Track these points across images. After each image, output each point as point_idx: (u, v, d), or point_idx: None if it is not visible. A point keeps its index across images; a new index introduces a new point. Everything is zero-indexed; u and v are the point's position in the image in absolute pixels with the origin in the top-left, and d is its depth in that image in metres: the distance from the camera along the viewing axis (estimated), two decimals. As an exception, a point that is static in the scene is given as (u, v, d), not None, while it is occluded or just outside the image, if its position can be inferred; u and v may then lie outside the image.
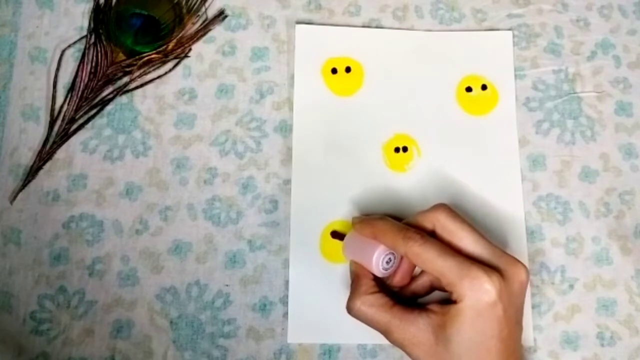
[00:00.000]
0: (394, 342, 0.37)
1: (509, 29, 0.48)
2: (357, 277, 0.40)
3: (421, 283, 0.40)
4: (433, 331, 0.36)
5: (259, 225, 0.44)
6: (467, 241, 0.37)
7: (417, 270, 0.41)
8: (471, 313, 0.35)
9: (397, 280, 0.40)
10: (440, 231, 0.38)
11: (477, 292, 0.34)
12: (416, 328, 0.36)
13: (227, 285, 0.43)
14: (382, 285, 0.40)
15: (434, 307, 0.36)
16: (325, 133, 0.45)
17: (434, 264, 0.36)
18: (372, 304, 0.38)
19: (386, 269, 0.39)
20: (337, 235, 0.43)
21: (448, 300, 0.36)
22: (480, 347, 0.35)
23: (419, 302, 0.40)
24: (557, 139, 0.46)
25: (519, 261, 0.37)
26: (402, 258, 0.40)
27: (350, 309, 0.38)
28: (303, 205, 0.44)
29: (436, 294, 0.40)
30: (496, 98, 0.47)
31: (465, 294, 0.35)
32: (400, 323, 0.37)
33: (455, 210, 0.38)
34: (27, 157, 0.44)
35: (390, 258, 0.39)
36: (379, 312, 0.37)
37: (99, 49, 0.46)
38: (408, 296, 0.40)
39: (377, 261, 0.39)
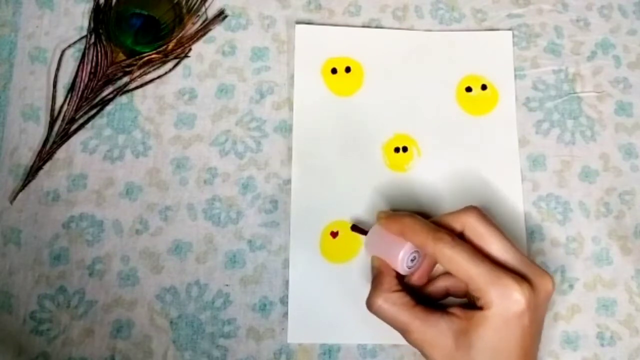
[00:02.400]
0: (413, 342, 0.37)
1: (509, 29, 0.48)
2: (379, 273, 0.39)
3: (437, 287, 0.40)
4: (454, 335, 0.35)
5: (259, 225, 0.44)
6: (496, 247, 0.36)
7: (434, 272, 0.41)
8: (498, 321, 0.34)
9: (416, 279, 0.40)
10: (469, 234, 0.37)
11: (507, 301, 0.34)
12: (437, 331, 0.36)
13: (227, 285, 0.43)
14: (403, 283, 0.39)
15: (456, 311, 0.36)
16: (325, 133, 0.45)
17: (464, 268, 0.35)
18: (394, 302, 0.37)
19: (410, 267, 0.39)
20: (358, 229, 0.43)
21: (470, 305, 0.36)
22: (501, 355, 0.34)
23: (439, 305, 0.39)
24: (557, 139, 0.46)
25: (546, 272, 0.36)
26: (424, 257, 0.39)
27: (370, 306, 0.38)
28: (303, 205, 0.44)
29: (451, 299, 0.40)
30: (496, 98, 0.47)
31: (493, 302, 0.34)
32: (421, 324, 0.36)
33: (486, 214, 0.38)
34: (27, 157, 0.44)
35: (415, 256, 0.39)
36: (400, 311, 0.37)
37: (99, 49, 0.46)
38: (422, 298, 0.40)
39: (403, 259, 0.38)
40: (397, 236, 0.39)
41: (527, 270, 0.36)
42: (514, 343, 0.34)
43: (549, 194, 0.45)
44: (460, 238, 0.37)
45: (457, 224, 0.38)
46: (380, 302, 0.37)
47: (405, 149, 0.45)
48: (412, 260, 0.39)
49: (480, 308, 0.35)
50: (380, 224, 0.40)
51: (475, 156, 0.45)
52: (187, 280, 0.43)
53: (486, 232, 0.37)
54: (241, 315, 0.42)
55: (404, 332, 0.37)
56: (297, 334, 0.42)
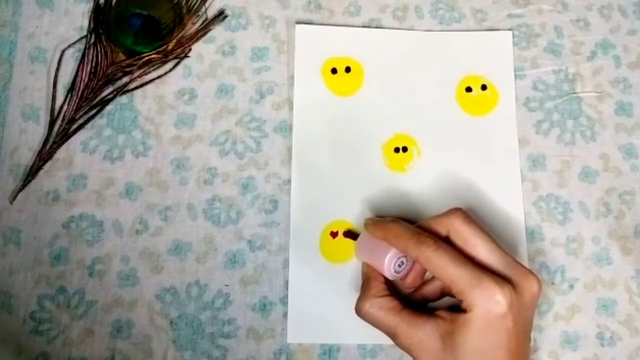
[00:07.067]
0: (401, 346, 0.37)
1: (509, 29, 0.48)
2: (367, 279, 0.40)
3: (432, 288, 0.40)
4: (440, 338, 0.35)
5: (259, 225, 0.44)
6: (481, 249, 0.36)
7: (429, 274, 0.41)
8: (480, 323, 0.34)
9: (409, 282, 0.40)
10: (454, 237, 0.37)
11: (488, 303, 0.34)
12: (423, 333, 0.36)
13: (227, 285, 0.43)
14: (392, 288, 0.40)
15: (442, 313, 0.36)
16: (325, 133, 0.45)
17: (446, 271, 0.35)
18: (380, 306, 0.38)
19: (398, 272, 0.39)
20: (351, 234, 0.43)
21: (457, 307, 0.36)
22: (487, 357, 0.35)
23: (428, 307, 0.40)
24: (557, 139, 0.46)
25: (531, 273, 0.36)
26: (414, 261, 0.39)
27: (358, 311, 0.38)
28: (303, 205, 0.44)
29: (446, 300, 0.40)
30: (496, 98, 0.47)
31: (475, 304, 0.34)
32: (408, 327, 0.36)
33: (471, 216, 0.38)
34: (27, 157, 0.44)
35: (402, 261, 0.39)
36: (387, 315, 0.37)
37: (99, 49, 0.46)
38: (418, 300, 0.40)
39: (389, 264, 0.38)
40: (384, 242, 0.39)
41: (512, 271, 0.36)
42: (498, 344, 0.34)
43: (549, 194, 0.45)
44: (446, 241, 0.37)
45: (442, 227, 0.38)
46: (367, 306, 0.38)
47: (405, 149, 0.45)
48: (399, 266, 0.39)
49: (464, 310, 0.35)
50: (367, 230, 0.40)
51: (475, 156, 0.45)
52: (187, 280, 0.43)
53: (471, 235, 0.37)
54: (241, 315, 0.42)
55: (392, 335, 0.37)
56: (297, 334, 0.42)
